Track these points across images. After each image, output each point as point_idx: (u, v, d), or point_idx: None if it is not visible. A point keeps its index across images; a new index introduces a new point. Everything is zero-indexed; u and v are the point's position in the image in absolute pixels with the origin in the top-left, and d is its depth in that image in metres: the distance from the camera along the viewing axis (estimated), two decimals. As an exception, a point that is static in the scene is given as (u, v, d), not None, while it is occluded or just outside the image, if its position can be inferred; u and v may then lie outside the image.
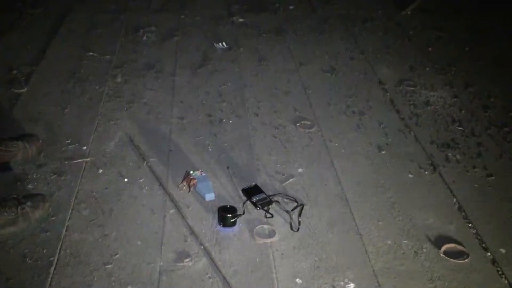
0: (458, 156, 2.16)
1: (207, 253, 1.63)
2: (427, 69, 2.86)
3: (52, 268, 1.55)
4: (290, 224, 1.76)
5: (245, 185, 1.90)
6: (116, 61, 2.76)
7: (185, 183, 1.88)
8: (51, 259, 1.58)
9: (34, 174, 1.92)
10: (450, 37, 3.27)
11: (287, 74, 2.74)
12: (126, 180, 1.93)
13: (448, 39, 3.24)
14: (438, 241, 1.73)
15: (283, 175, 2.00)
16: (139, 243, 1.66)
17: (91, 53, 2.81)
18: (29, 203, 1.68)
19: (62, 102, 2.37)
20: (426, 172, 2.06)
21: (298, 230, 1.74)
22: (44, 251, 1.61)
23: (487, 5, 3.65)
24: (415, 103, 2.52)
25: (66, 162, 1.99)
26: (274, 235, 1.71)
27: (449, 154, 2.17)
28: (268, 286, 1.54)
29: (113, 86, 2.53)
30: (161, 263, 1.59)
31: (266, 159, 2.08)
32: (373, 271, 1.61)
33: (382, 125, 2.34)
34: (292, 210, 1.81)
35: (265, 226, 1.75)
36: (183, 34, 3.11)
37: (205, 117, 2.33)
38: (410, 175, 2.04)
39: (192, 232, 1.71)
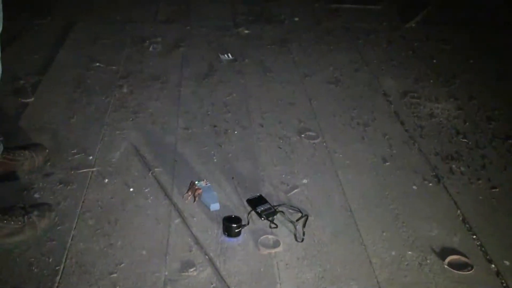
0: (462, 168, 2.16)
1: (212, 263, 1.64)
2: (432, 81, 2.87)
3: (58, 277, 1.56)
4: (295, 235, 1.76)
5: (250, 195, 1.91)
6: (122, 72, 2.78)
7: (190, 193, 1.89)
8: (56, 268, 1.59)
9: (41, 183, 1.93)
10: (454, 49, 3.28)
11: (292, 85, 2.75)
12: (131, 189, 1.94)
13: (453, 51, 3.25)
14: (442, 253, 1.73)
15: (288, 185, 2.01)
16: (144, 252, 1.67)
17: (97, 64, 2.83)
18: (35, 212, 1.70)
19: (69, 112, 2.39)
20: (430, 184, 2.06)
21: (302, 240, 1.75)
22: (50, 260, 1.62)
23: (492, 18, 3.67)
24: (420, 115, 2.53)
25: (72, 171, 2.00)
26: (279, 245, 1.72)
27: (453, 166, 2.17)
28: (273, 296, 1.55)
29: (119, 96, 2.55)
30: (166, 273, 1.60)
31: (271, 170, 2.09)
32: (377, 282, 1.61)
33: (387, 136, 2.35)
34: (297, 220, 1.81)
35: (270, 237, 1.75)
36: (189, 45, 3.13)
37: (210, 128, 2.34)
38: (414, 187, 2.04)
39: (197, 242, 1.71)
